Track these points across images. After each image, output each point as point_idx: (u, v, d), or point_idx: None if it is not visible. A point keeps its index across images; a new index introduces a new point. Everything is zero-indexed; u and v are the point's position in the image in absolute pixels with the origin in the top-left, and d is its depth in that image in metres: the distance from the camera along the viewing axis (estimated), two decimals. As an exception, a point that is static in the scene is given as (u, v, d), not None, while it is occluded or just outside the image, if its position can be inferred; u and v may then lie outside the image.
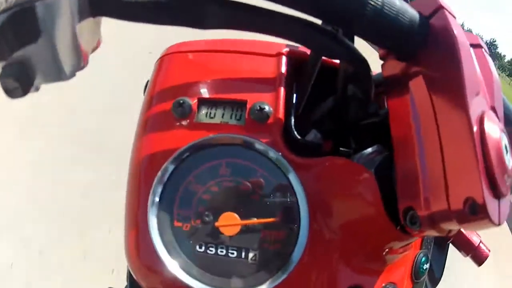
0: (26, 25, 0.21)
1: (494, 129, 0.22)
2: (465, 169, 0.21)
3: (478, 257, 0.43)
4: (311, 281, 0.31)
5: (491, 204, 0.21)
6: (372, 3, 0.22)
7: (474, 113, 0.21)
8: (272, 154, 0.32)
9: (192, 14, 0.25)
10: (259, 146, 0.32)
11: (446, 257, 0.46)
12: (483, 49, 0.27)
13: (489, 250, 0.44)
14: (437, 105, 0.23)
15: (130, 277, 0.42)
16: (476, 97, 0.22)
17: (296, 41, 0.28)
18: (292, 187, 0.31)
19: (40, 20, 0.21)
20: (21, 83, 0.22)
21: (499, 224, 0.22)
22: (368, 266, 0.32)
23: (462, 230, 0.44)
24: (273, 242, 0.31)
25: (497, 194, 0.21)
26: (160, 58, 0.42)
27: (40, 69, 0.23)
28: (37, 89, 0.24)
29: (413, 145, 0.25)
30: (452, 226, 0.23)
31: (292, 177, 0.31)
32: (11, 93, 0.22)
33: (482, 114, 0.22)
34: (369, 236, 0.31)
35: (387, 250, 0.31)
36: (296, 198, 0.31)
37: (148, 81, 0.44)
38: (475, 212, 0.20)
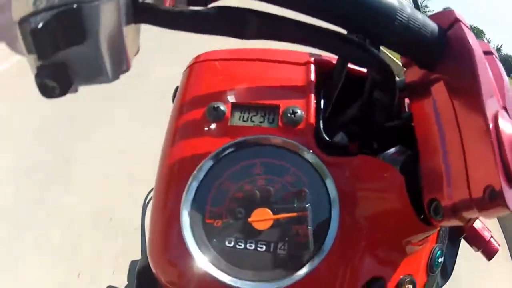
0: (73, 26, 0.21)
1: (507, 126, 0.25)
2: (484, 161, 0.24)
3: (489, 251, 0.46)
4: (338, 272, 0.33)
5: (508, 191, 0.23)
6: (400, 18, 0.25)
7: (489, 113, 0.24)
8: (306, 153, 0.34)
9: (233, 24, 0.26)
10: (294, 146, 0.34)
11: (457, 253, 0.48)
12: (494, 55, 0.30)
13: (499, 245, 0.46)
14: (457, 107, 0.26)
15: (140, 275, 0.41)
16: (491, 99, 0.25)
17: (328, 51, 0.30)
18: (325, 183, 0.34)
19: (88, 21, 0.21)
20: (60, 84, 0.21)
21: None
22: (389, 257, 0.35)
23: (474, 225, 0.46)
24: (303, 235, 0.33)
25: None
26: (190, 66, 0.45)
27: (82, 70, 0.22)
28: (76, 90, 0.23)
29: (436, 143, 0.28)
30: (472, 215, 0.26)
31: (325, 174, 0.34)
32: (48, 93, 0.21)
33: (496, 113, 0.25)
34: (394, 228, 0.33)
35: (409, 241, 0.33)
36: (328, 193, 0.33)
37: (177, 87, 0.46)
38: (494, 198, 0.23)
